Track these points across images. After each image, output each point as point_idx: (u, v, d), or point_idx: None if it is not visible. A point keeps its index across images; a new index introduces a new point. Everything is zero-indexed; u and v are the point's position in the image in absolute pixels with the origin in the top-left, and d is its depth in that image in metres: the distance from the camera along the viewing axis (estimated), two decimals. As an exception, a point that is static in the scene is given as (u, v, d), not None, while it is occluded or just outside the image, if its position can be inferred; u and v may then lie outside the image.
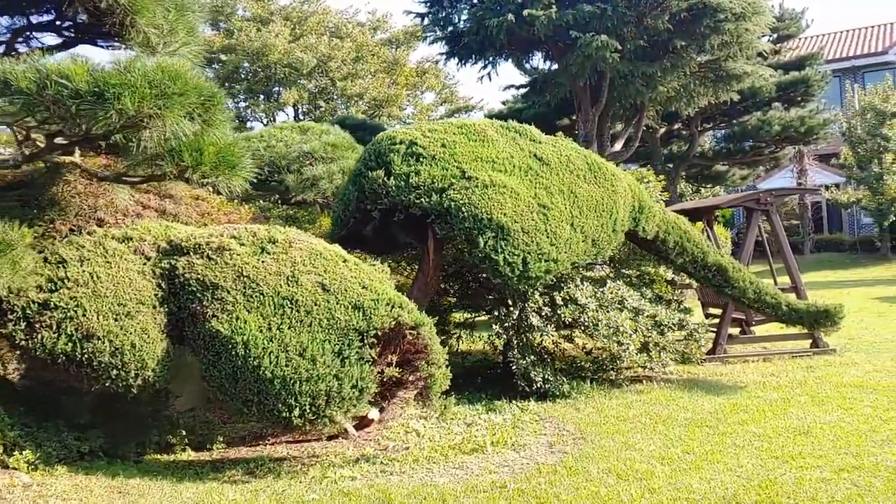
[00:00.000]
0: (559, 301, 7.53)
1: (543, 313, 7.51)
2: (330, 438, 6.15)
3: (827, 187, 25.74)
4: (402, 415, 6.56)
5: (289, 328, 5.03)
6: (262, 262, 5.27)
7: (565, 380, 7.45)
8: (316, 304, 5.14)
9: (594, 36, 11.19)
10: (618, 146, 14.87)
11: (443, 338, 9.08)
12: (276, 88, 27.75)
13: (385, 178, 6.40)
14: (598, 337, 7.39)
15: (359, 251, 7.31)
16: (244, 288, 5.11)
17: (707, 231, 10.56)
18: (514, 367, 7.34)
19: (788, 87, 19.40)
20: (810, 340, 9.16)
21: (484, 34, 11.89)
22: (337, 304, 5.18)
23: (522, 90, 17.86)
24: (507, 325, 7.51)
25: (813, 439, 5.56)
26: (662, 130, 19.67)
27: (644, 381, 7.87)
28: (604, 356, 7.78)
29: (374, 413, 6.25)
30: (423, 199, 6.31)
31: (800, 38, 31.34)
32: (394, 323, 5.26)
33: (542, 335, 7.36)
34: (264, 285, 5.13)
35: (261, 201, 9.63)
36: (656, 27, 11.74)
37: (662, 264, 8.75)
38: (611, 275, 9.19)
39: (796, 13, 22.23)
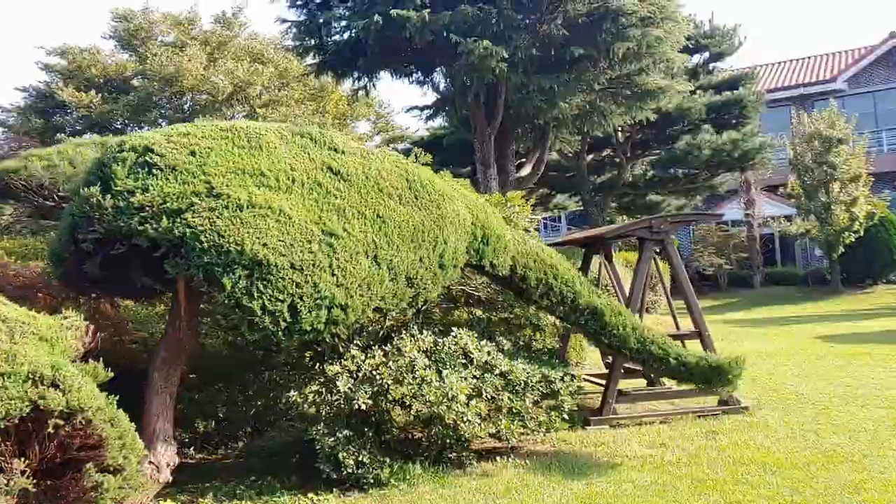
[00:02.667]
0: (378, 356, 5.85)
1: (362, 372, 5.82)
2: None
3: (774, 219, 24.75)
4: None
5: None
6: None
7: (388, 461, 5.72)
8: None
9: (476, 42, 9.63)
10: (525, 171, 13.27)
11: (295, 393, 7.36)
12: (196, 118, 26.05)
13: (101, 197, 4.67)
14: (425, 403, 5.69)
15: (100, 294, 5.57)
16: None
17: (604, 265, 8.98)
18: (317, 446, 5.61)
19: (721, 108, 18.00)
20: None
21: (353, 41, 10.30)
22: (-66, 380, 3.41)
23: (426, 112, 16.30)
24: (313, 388, 5.82)
25: (666, 563, 3.87)
26: (590, 158, 18.18)
27: (500, 457, 6.17)
28: (440, 427, 6.05)
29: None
30: (148, 225, 4.57)
31: (749, 68, 30.60)
32: (29, 408, 3.50)
33: (353, 403, 5.62)
34: None
35: (52, 233, 7.81)
36: (550, 33, 10.23)
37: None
38: (482, 317, 7.55)
39: (727, 29, 20.70)
